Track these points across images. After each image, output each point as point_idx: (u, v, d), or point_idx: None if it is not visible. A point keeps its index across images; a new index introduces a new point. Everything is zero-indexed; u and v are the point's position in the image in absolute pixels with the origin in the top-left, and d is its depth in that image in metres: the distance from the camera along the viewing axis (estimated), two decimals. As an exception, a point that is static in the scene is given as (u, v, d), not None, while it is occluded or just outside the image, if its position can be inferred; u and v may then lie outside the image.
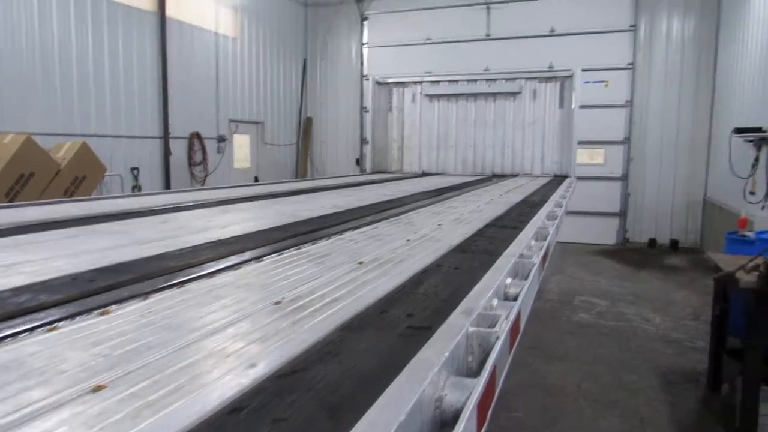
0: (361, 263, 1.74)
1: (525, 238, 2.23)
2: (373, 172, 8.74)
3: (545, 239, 2.31)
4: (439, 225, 2.66)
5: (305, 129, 13.02)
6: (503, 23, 11.18)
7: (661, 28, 10.48)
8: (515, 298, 1.47)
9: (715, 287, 4.03)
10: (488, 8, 11.25)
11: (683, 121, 10.45)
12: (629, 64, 10.61)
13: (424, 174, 8.50)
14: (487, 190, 5.27)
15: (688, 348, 5.33)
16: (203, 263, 1.75)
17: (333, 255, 1.88)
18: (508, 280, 1.58)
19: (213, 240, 2.18)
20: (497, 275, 1.56)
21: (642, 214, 10.79)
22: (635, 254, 10.08)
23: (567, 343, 5.58)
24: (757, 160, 6.73)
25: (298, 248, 2.02)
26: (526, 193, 4.77)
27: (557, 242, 10.66)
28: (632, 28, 10.54)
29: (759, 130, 6.63)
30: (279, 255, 1.89)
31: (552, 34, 10.85)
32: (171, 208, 3.36)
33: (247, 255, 1.88)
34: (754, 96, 7.54)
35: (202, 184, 9.72)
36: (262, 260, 1.81)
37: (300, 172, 12.81)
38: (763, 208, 5.93)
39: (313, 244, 2.12)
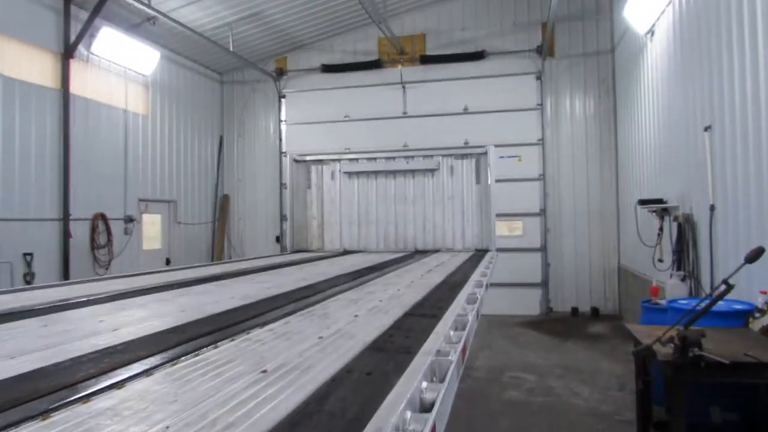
0: (264, 372, 1.61)
1: (443, 329, 2.19)
2: (294, 251, 8.61)
3: (464, 328, 2.27)
4: (356, 316, 2.57)
5: (222, 207, 12.78)
6: (419, 102, 11.74)
7: (565, 105, 11.41)
8: (432, 406, 1.39)
9: (636, 361, 4.13)
10: (404, 87, 11.81)
11: (593, 193, 11.19)
12: (539, 139, 11.38)
13: (345, 252, 8.47)
14: (409, 269, 5.27)
15: (618, 422, 5.39)
16: (81, 382, 1.55)
17: (235, 362, 1.74)
18: (424, 384, 1.50)
19: (100, 348, 1.97)
20: (412, 380, 1.48)
21: (563, 284, 11.22)
22: (559, 324, 10.36)
23: (499, 425, 5.50)
24: (661, 229, 7.22)
25: (197, 354, 1.86)
26: (447, 272, 4.79)
27: (484, 315, 10.70)
28: (539, 106, 11.40)
29: (660, 201, 7.16)
30: (173, 365, 1.72)
31: (466, 112, 11.52)
32: (58, 305, 3.07)
33: (135, 367, 1.70)
34: (653, 168, 8.21)
35: (107, 269, 9.16)
36: (152, 374, 1.63)
37: (216, 252, 12.43)
38: (671, 276, 6.29)
39: (215, 347, 1.96)
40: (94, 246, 9.07)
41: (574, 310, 11.08)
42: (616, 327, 9.66)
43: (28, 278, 7.90)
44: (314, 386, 1.46)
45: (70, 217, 8.56)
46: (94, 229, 9.07)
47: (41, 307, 3.01)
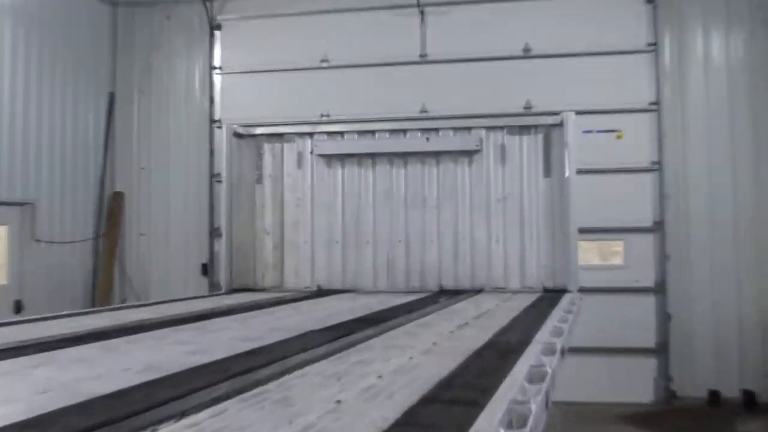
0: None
1: (489, 426, 2.16)
2: (232, 291, 8.70)
3: (525, 425, 2.25)
4: (338, 402, 2.54)
5: (111, 213, 12.80)
6: (448, 37, 11.82)
7: (696, 48, 11.51)
8: None
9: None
10: (422, 14, 11.88)
11: (743, 193, 11.17)
12: (652, 103, 11.45)
13: (321, 292, 8.55)
14: (429, 323, 5.26)
15: None
16: None
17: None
18: None
19: None
20: None
21: (694, 349, 11.16)
22: (688, 420, 10.30)
23: None
24: None
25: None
26: (495, 329, 4.77)
27: (558, 403, 10.66)
28: (652, 48, 11.48)
29: None
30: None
31: (527, 55, 11.59)
32: None
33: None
34: None
35: None
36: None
37: (100, 292, 12.41)
38: None
39: (96, 456, 1.95)
40: None
41: (714, 396, 10.98)
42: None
43: None
44: None
45: None
46: None
47: None
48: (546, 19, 11.55)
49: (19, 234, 11.20)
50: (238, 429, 2.22)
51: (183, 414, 2.39)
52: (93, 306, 11.76)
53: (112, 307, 9.24)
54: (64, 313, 6.53)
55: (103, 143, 12.89)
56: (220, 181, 10.29)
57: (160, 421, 2.29)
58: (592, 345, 10.25)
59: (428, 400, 2.62)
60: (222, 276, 8.97)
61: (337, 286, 8.75)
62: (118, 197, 12.98)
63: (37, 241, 11.40)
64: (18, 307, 10.73)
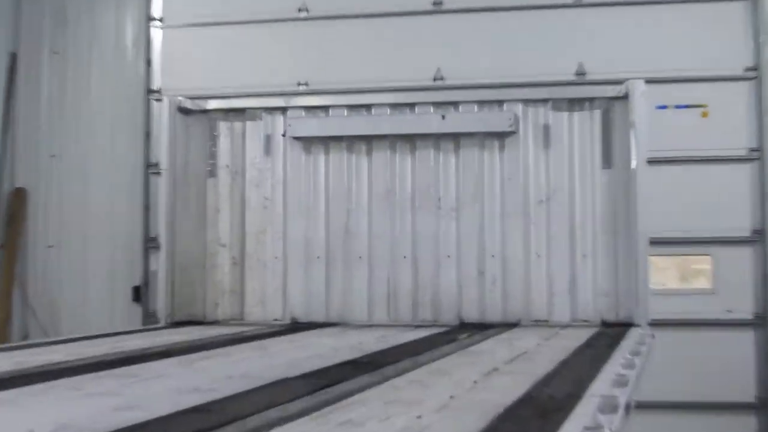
0: None
1: None
2: (173, 324, 8.75)
3: None
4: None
5: (10, 217, 12.75)
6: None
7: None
8: None
9: None
10: (436, -57, 11.86)
11: None
12: (750, 69, 11.38)
13: (295, 327, 8.61)
14: (443, 370, 5.26)
15: None
16: None
17: None
18: None
19: None
20: None
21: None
22: None
23: None
24: None
25: None
26: (534, 376, 4.76)
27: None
28: (749, -6, 11.45)
29: None
30: None
31: (580, 2, 11.50)
32: None
33: None
34: None
35: None
36: None
37: (-5, 323, 12.38)
38: None
39: None
40: None
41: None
42: None
43: None
44: None
45: None
46: None
47: None
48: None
49: None
50: None
51: None
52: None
53: (9, 345, 9.18)
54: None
55: (0, 122, 12.90)
56: (158, 174, 10.14)
57: None
58: (669, 399, 10.24)
59: None
60: (160, 304, 8.98)
61: (319, 318, 8.78)
62: (19, 195, 12.95)
63: None
64: None
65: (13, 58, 12.94)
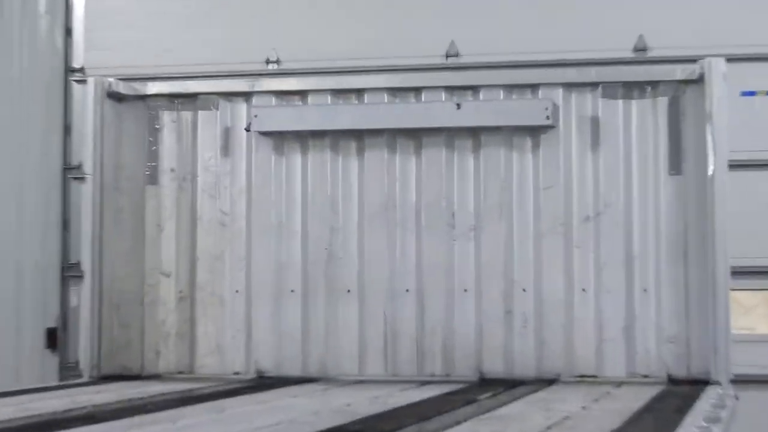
0: None
1: None
2: (100, 379, 8.77)
3: None
4: None
5: None
6: None
7: None
8: None
9: None
10: None
11: None
12: None
13: (261, 383, 8.62)
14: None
15: None
16: None
17: None
18: None
19: None
20: None
21: None
22: None
23: None
24: None
25: None
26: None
27: None
28: None
29: None
30: None
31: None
32: None
33: None
34: None
35: None
36: None
37: None
38: None
39: None
40: None
41: None
42: None
43: None
44: None
45: None
46: None
47: None
48: None
49: None
50: None
51: None
52: None
53: None
54: None
55: None
56: (81, 180, 10.27)
57: None
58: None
59: None
60: (83, 352, 9.01)
61: (294, 371, 8.85)
62: None
63: None
64: None
65: None
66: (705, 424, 5.48)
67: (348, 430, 5.48)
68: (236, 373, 8.90)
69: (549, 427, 5.70)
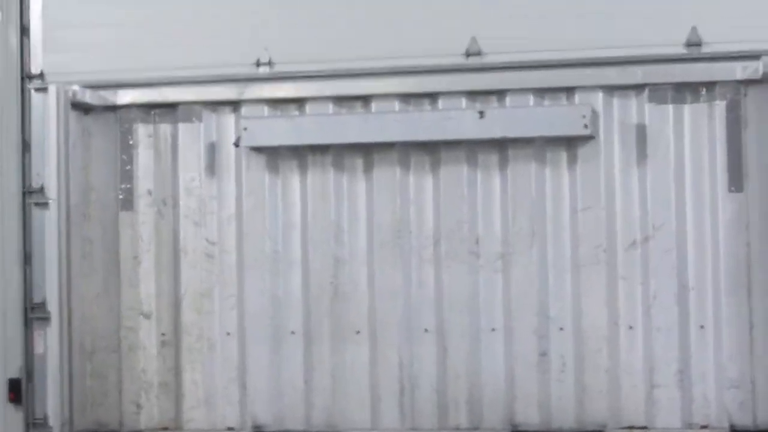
0: None
1: None
2: (72, 436, 8.39)
3: None
4: None
5: None
6: None
7: None
8: None
9: None
10: None
11: None
12: None
13: (257, 436, 8.34)
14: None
15: None
16: None
17: None
18: None
19: None
20: None
21: None
22: None
23: None
24: None
25: None
26: None
27: None
28: None
29: None
30: None
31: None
32: None
33: None
34: None
35: None
36: None
37: None
38: None
39: None
40: None
41: None
42: None
43: None
44: None
45: None
46: None
47: None
48: None
49: None
50: None
51: None
52: None
53: None
54: None
55: None
56: (44, 206, 9.70)
57: None
58: None
59: None
60: (52, 406, 8.69)
61: (296, 425, 8.61)
62: None
63: None
64: None
65: None
66: None
67: None
68: (230, 429, 8.55)
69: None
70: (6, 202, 11.33)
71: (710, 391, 7.97)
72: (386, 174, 8.43)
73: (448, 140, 8.34)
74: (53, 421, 8.61)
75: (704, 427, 7.93)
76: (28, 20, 11.53)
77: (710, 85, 8.11)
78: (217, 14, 10.64)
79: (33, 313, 11.06)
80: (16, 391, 11.48)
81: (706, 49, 9.44)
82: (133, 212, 8.67)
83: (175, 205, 8.65)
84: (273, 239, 8.52)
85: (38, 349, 10.96)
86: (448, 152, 8.38)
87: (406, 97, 8.54)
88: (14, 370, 11.63)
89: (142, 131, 8.70)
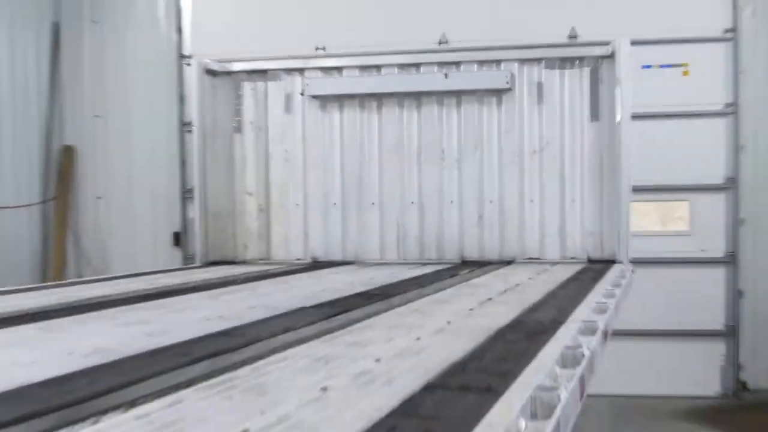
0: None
1: (504, 417, 2.14)
2: (208, 264, 8.80)
3: (550, 417, 2.25)
4: (323, 390, 2.53)
5: (61, 172, 12.77)
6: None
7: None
8: None
9: None
10: None
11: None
12: (727, 30, 11.22)
13: (315, 265, 8.64)
14: (444, 299, 5.28)
15: None
16: None
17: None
18: None
19: None
20: None
21: (772, 334, 11.17)
22: (763, 416, 10.28)
23: None
24: None
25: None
26: (524, 305, 4.77)
27: (608, 397, 10.61)
28: (725, -41, 11.29)
29: None
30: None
31: (573, -27, 11.47)
32: None
33: None
34: None
35: None
36: None
37: (54, 265, 12.45)
38: None
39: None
40: None
41: (796, 389, 11.05)
42: None
43: None
44: None
45: None
46: None
47: None
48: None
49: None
50: (195, 421, 2.20)
51: (131, 403, 2.38)
52: (42, 282, 11.54)
53: (59, 282, 9.23)
54: (3, 289, 6.52)
55: (48, 86, 12.88)
56: (190, 131, 10.29)
57: (104, 411, 2.28)
58: (647, 327, 10.41)
59: (434, 386, 2.59)
60: (197, 247, 9.06)
61: (336, 257, 8.85)
62: (68, 152, 12.94)
63: (-30, 205, 11.48)
64: (-52, 286, 10.74)
65: (56, 28, 12.88)
66: (611, 287, 5.64)
67: (370, 294, 5.59)
68: (298, 259, 8.90)
69: (505, 291, 5.69)
70: (171, 130, 11.83)
71: (577, 238, 8.37)
72: (390, 112, 8.72)
73: (426, 91, 8.65)
74: (197, 256, 9.02)
75: (572, 258, 8.35)
76: (182, 24, 12.14)
77: (581, 59, 8.40)
78: (293, 20, 11.23)
79: (186, 194, 11.58)
80: (177, 238, 12.06)
81: (579, 40, 10.00)
82: (241, 134, 8.96)
83: (266, 130, 8.94)
84: (323, 151, 8.83)
85: (190, 215, 11.42)
86: (427, 99, 8.67)
87: (402, 66, 8.84)
88: (176, 226, 12.12)
89: (246, 86, 8.96)
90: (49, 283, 9.20)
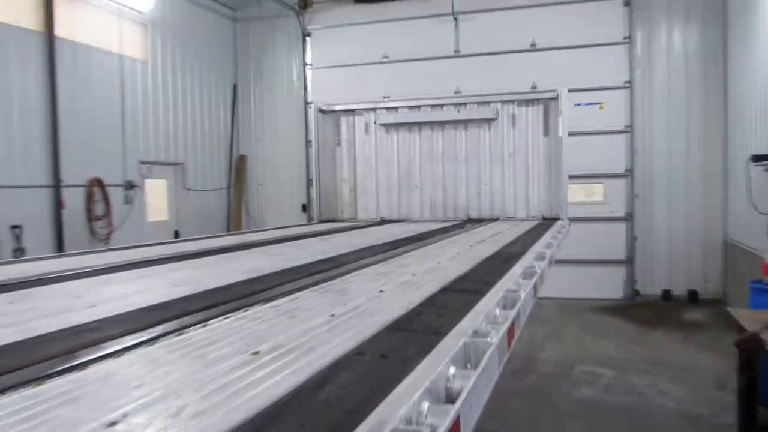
0: (256, 354, 1.57)
1: (487, 307, 2.12)
2: (321, 221, 8.69)
3: (514, 306, 2.20)
4: (381, 291, 2.53)
5: (238, 170, 12.95)
6: (475, 37, 11.53)
7: (660, 39, 11.02)
8: (458, 396, 1.32)
9: (739, 353, 3.98)
10: (456, 20, 11.57)
11: (693, 148, 10.85)
12: (626, 82, 11.06)
13: (383, 221, 8.51)
14: (456, 240, 5.21)
15: (715, 426, 5.24)
16: (37, 363, 1.55)
17: (223, 342, 1.71)
18: (452, 370, 1.43)
19: (69, 326, 1.98)
20: (436, 364, 1.42)
21: (653, 261, 11.03)
22: (647, 310, 10.19)
23: (567, 429, 5.43)
24: (780, 191, 6.89)
25: (180, 333, 1.84)
26: (503, 243, 4.72)
27: (554, 300, 10.49)
28: (627, 40, 11.05)
29: (780, 156, 6.83)
30: (147, 346, 1.71)
31: (534, 49, 11.28)
32: (33, 280, 3.14)
33: (103, 348, 1.69)
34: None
35: (106, 243, 9.29)
36: (121, 355, 1.62)
37: (233, 224, 12.65)
38: (791, 249, 6.03)
39: (204, 326, 1.95)
40: (91, 217, 9.25)
41: (666, 294, 10.93)
42: (719, 314, 9.35)
43: (18, 254, 7.95)
44: (312, 371, 1.41)
45: (62, 184, 8.72)
46: (90, 198, 9.23)
47: (11, 282, 3.08)
48: (548, 21, 11.20)
49: (174, 185, 11.47)
50: (306, 309, 2.22)
51: (268, 299, 2.40)
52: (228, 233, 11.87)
53: (235, 233, 9.42)
54: (201, 236, 6.64)
55: (231, 119, 12.99)
56: (311, 146, 10.09)
57: (251, 305, 2.29)
58: (577, 258, 10.22)
59: (446, 289, 2.62)
60: (315, 212, 8.99)
61: (395, 217, 8.71)
62: (242, 158, 13.12)
63: (187, 190, 11.67)
64: (176, 235, 10.97)
65: (235, 88, 13.05)
66: (555, 233, 5.52)
67: (412, 238, 5.49)
68: (372, 219, 8.74)
69: (492, 235, 5.61)
70: (300, 145, 11.89)
71: (535, 204, 8.11)
72: (425, 133, 8.48)
73: (446, 120, 8.40)
74: (315, 216, 8.89)
75: (533, 217, 8.06)
76: (306, 84, 12.23)
77: (538, 100, 8.09)
78: (370, 81, 11.25)
79: (309, 182, 11.63)
80: (304, 207, 12.14)
81: (537, 88, 9.74)
82: (340, 147, 8.80)
83: (354, 144, 8.76)
84: (387, 156, 8.62)
85: (311, 194, 11.30)
86: (447, 125, 8.41)
87: (433, 106, 8.52)
88: (304, 200, 12.25)
89: (343, 119, 8.80)
90: (228, 233, 9.36)
